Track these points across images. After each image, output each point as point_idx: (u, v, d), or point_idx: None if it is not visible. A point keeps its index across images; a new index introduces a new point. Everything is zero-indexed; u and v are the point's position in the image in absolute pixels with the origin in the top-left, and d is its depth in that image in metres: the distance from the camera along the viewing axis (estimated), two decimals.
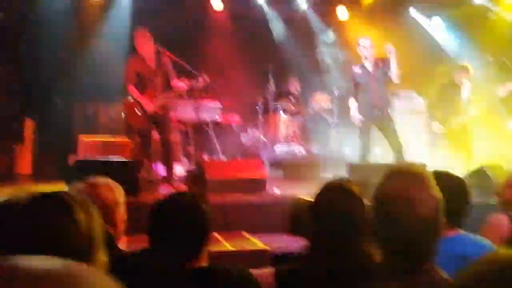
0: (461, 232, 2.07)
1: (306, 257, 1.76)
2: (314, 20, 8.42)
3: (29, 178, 6.17)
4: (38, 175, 6.11)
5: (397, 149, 5.29)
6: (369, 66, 5.48)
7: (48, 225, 1.14)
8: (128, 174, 4.30)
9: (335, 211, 1.68)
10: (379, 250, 1.42)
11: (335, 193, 1.74)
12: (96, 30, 7.38)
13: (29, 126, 6.66)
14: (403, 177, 1.32)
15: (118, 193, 2.08)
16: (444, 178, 1.93)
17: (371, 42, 5.47)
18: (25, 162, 6.46)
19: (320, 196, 1.77)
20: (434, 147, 6.31)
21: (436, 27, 8.16)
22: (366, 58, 5.44)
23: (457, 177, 2.07)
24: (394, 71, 5.31)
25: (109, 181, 2.09)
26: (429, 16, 8.19)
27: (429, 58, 7.87)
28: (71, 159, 5.40)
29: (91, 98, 6.96)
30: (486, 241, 2.11)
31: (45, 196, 1.23)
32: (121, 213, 2.08)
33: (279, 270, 1.79)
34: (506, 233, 2.35)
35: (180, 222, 1.66)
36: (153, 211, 1.75)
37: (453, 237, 1.90)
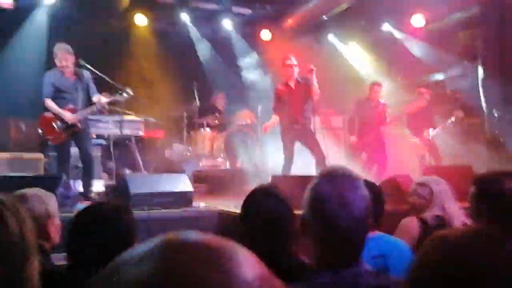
0: (379, 233, 2.23)
1: None
2: (238, 40, 8.64)
3: None
4: None
5: (321, 159, 5.53)
6: (292, 83, 5.71)
7: None
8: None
9: (264, 213, 1.71)
10: (312, 250, 1.47)
11: (264, 197, 1.78)
12: (8, 43, 6.95)
13: None
14: (337, 178, 1.38)
15: (50, 204, 1.98)
16: (365, 183, 2.09)
17: (295, 62, 5.72)
18: None
19: (248, 200, 1.80)
20: (352, 159, 6.68)
21: (352, 52, 8.77)
22: (290, 76, 5.67)
23: (374, 183, 2.23)
24: (314, 89, 5.59)
25: (40, 191, 1.99)
26: (345, 42, 8.79)
27: (345, 79, 8.40)
28: None
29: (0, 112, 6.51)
30: (400, 241, 2.29)
31: None
32: (55, 224, 1.97)
33: None
34: (416, 233, 2.57)
35: (103, 232, 1.60)
36: (73, 223, 1.68)
37: (373, 237, 2.03)
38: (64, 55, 4.96)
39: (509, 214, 1.70)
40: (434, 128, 6.80)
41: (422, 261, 0.75)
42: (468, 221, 2.47)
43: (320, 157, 5.55)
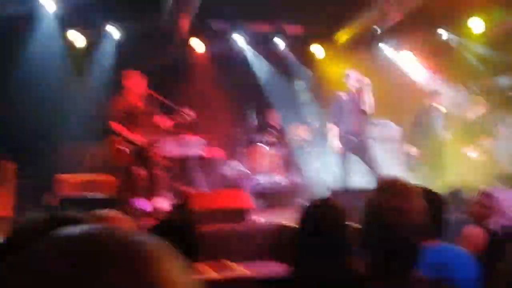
0: (442, 243, 2.19)
1: (289, 280, 1.79)
2: (291, 58, 8.77)
3: (10, 220, 6.06)
4: (19, 216, 6.02)
5: (375, 175, 5.47)
6: (351, 95, 5.73)
7: None
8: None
9: (321, 226, 1.75)
10: (366, 261, 1.50)
11: (321, 210, 1.81)
12: (83, 73, 7.55)
13: (9, 168, 6.60)
14: (394, 188, 1.43)
15: (126, 224, 2.06)
16: (425, 193, 2.08)
17: (356, 74, 5.74)
18: (5, 205, 6.37)
19: (306, 213, 1.84)
20: (411, 171, 6.51)
21: (407, 60, 8.58)
22: (353, 87, 5.69)
23: (436, 193, 2.22)
24: (368, 102, 5.57)
25: (115, 212, 2.04)
26: (399, 50, 8.63)
27: (401, 89, 8.23)
28: (46, 198, 5.36)
29: (74, 137, 7.01)
30: (463, 250, 2.24)
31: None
32: None
33: None
34: (480, 241, 2.50)
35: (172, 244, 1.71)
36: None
37: (434, 247, 2.01)
38: (130, 81, 5.31)
39: None
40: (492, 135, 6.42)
41: None
42: None
43: (375, 173, 5.49)
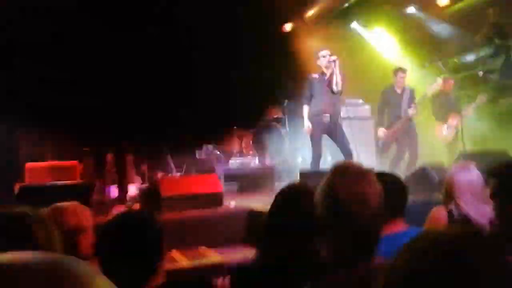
0: (410, 226, 2.18)
1: (257, 265, 1.78)
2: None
3: None
4: None
5: (347, 155, 5.48)
6: (322, 75, 5.68)
7: (5, 241, 1.13)
8: (78, 198, 4.19)
9: (294, 211, 1.71)
10: (327, 245, 1.48)
11: (295, 195, 1.78)
12: None
13: None
14: (350, 173, 1.40)
15: (83, 217, 2.02)
16: (382, 176, 2.05)
17: (327, 53, 5.67)
18: None
19: (279, 198, 1.80)
20: (381, 150, 6.56)
21: (378, 38, 8.58)
22: (325, 68, 5.63)
23: (396, 175, 2.19)
24: (338, 81, 5.53)
25: (74, 205, 2.03)
26: (369, 28, 8.61)
27: (372, 67, 8.24)
28: (17, 187, 5.20)
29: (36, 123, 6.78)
30: None
31: (3, 214, 1.22)
32: (88, 237, 2.02)
33: (233, 280, 1.82)
34: (445, 224, 2.50)
35: (130, 241, 1.65)
36: (102, 232, 1.73)
37: (399, 231, 1.99)
38: None
39: None
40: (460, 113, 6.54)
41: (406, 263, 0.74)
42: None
43: (346, 154, 5.49)
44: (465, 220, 2.39)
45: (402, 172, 5.10)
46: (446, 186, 2.57)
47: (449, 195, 2.52)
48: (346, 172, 1.41)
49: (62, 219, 1.94)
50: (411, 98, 6.43)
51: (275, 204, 1.81)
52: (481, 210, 2.35)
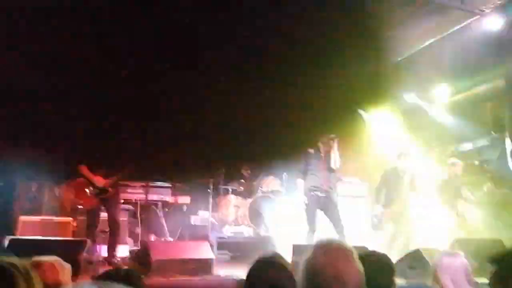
0: None
1: None
2: None
3: None
4: None
5: (339, 231, 5.47)
6: (319, 151, 5.81)
7: None
8: (68, 255, 4.14)
9: (266, 283, 1.72)
10: None
11: (265, 267, 1.78)
12: None
13: None
14: (331, 251, 1.43)
15: (62, 273, 2.02)
16: (370, 257, 2.07)
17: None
18: None
19: (251, 270, 1.81)
20: (376, 229, 6.52)
21: (379, 121, 8.84)
22: (322, 143, 5.78)
23: (383, 254, 2.21)
24: (335, 158, 5.67)
25: (54, 260, 2.04)
26: (371, 111, 8.91)
27: (370, 148, 8.43)
28: (7, 239, 5.15)
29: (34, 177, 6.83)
30: None
31: None
32: None
33: None
34: None
35: None
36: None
37: None
38: None
39: None
40: (464, 199, 6.59)
41: None
42: None
43: (338, 229, 5.50)
44: None
45: (396, 253, 5.04)
46: (433, 270, 2.62)
47: (436, 279, 2.54)
48: (328, 249, 1.44)
49: (40, 274, 1.94)
50: (412, 182, 6.51)
51: (250, 274, 1.79)
52: None
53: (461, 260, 2.60)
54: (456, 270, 2.54)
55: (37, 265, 1.93)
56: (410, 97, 8.43)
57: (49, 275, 1.95)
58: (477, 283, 2.81)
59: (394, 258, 2.37)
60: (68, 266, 2.07)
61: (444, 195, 6.74)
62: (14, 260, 1.28)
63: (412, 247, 5.31)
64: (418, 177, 6.62)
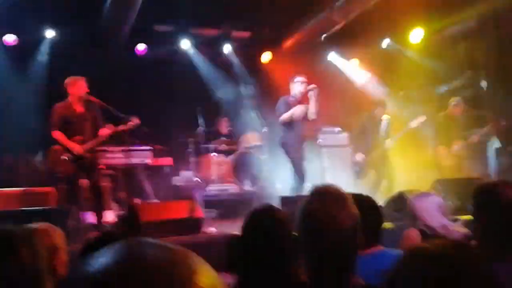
0: (382, 248, 2.22)
1: None
2: (238, 64, 8.73)
3: None
4: None
5: (300, 177, 5.58)
6: (297, 102, 5.78)
7: None
8: (54, 223, 4.09)
9: (262, 234, 1.72)
10: (305, 268, 1.50)
11: (260, 217, 1.79)
12: (12, 79, 7.18)
13: None
14: (326, 196, 1.45)
15: (56, 238, 2.01)
16: (358, 200, 2.11)
17: (304, 80, 5.78)
18: None
19: (247, 221, 1.81)
20: (358, 177, 6.66)
21: (354, 68, 8.82)
22: (300, 93, 5.74)
23: (371, 198, 2.25)
24: (313, 108, 5.66)
25: (47, 225, 2.03)
26: (346, 59, 8.86)
27: (349, 96, 8.45)
28: None
29: (8, 150, 6.65)
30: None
31: None
32: (61, 258, 2.00)
33: None
34: (419, 242, 2.58)
35: None
36: (81, 254, 1.71)
37: (375, 253, 2.04)
38: (74, 87, 5.10)
39: (506, 226, 1.70)
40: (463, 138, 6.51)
41: (401, 269, 0.79)
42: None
43: (301, 176, 5.59)
44: (438, 236, 2.52)
45: (380, 198, 5.17)
46: (409, 211, 2.79)
47: (414, 218, 2.71)
48: (322, 194, 1.46)
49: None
50: (388, 127, 6.62)
51: (245, 226, 1.80)
52: (444, 224, 2.62)
53: (433, 198, 2.76)
54: (430, 208, 2.68)
55: (30, 231, 1.91)
56: (384, 43, 8.40)
57: (46, 240, 1.93)
58: (457, 218, 2.94)
59: (378, 203, 2.42)
60: (59, 230, 2.05)
61: (445, 135, 6.67)
62: (14, 227, 1.24)
63: (393, 191, 5.46)
64: (394, 124, 6.70)
